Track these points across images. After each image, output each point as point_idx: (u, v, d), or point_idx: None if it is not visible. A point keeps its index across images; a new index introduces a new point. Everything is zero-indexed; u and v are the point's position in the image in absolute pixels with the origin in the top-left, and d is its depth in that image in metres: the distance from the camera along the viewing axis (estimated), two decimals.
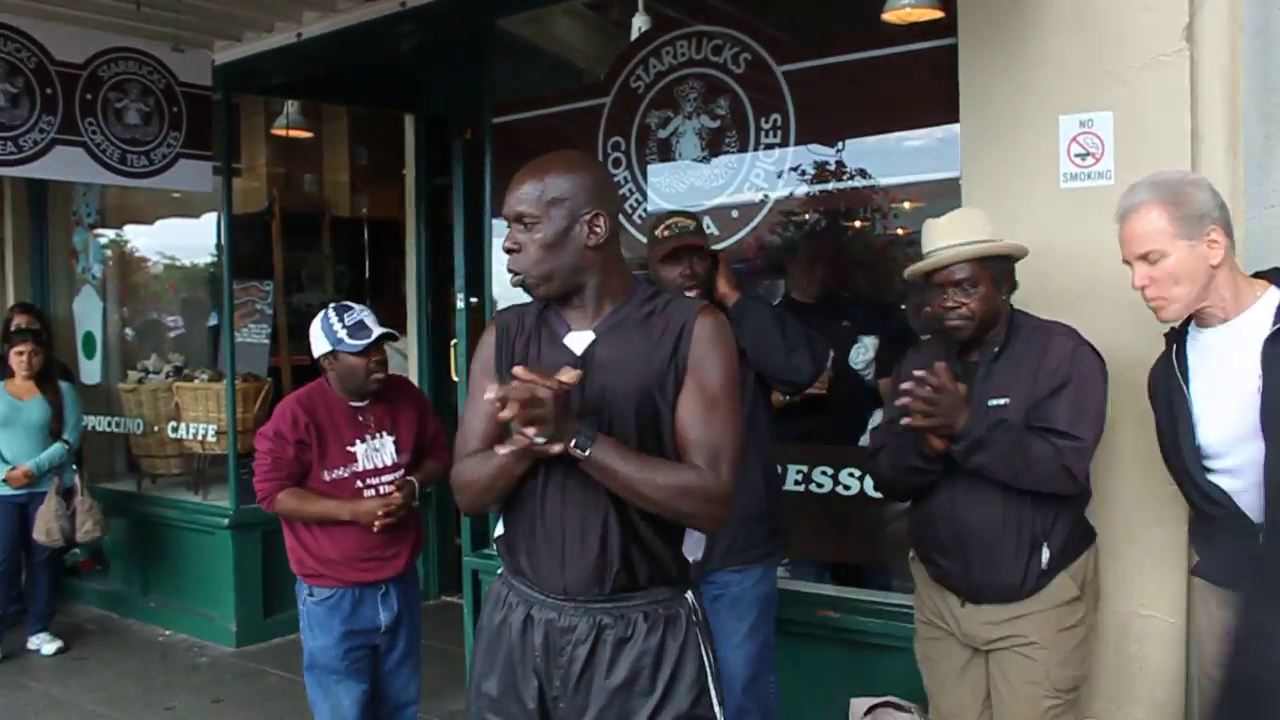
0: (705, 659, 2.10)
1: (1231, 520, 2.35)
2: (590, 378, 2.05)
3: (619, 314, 2.10)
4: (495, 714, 2.15)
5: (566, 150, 2.22)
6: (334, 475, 3.32)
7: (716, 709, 2.09)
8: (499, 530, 2.21)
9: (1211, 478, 2.38)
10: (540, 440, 1.89)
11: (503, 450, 1.92)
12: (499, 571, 2.23)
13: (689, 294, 2.95)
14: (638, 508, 2.01)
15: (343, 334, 3.26)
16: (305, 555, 3.35)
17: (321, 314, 3.35)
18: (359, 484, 3.35)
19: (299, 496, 3.31)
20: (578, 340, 2.11)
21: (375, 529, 3.28)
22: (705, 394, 2.03)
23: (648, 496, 1.98)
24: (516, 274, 2.09)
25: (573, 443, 1.92)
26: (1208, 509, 2.41)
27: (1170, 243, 2.28)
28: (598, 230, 2.05)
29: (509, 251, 2.09)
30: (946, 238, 2.71)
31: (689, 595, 2.14)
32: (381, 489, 3.36)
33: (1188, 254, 2.28)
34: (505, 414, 1.86)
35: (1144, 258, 2.32)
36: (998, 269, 2.67)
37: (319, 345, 3.32)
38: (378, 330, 3.29)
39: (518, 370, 1.91)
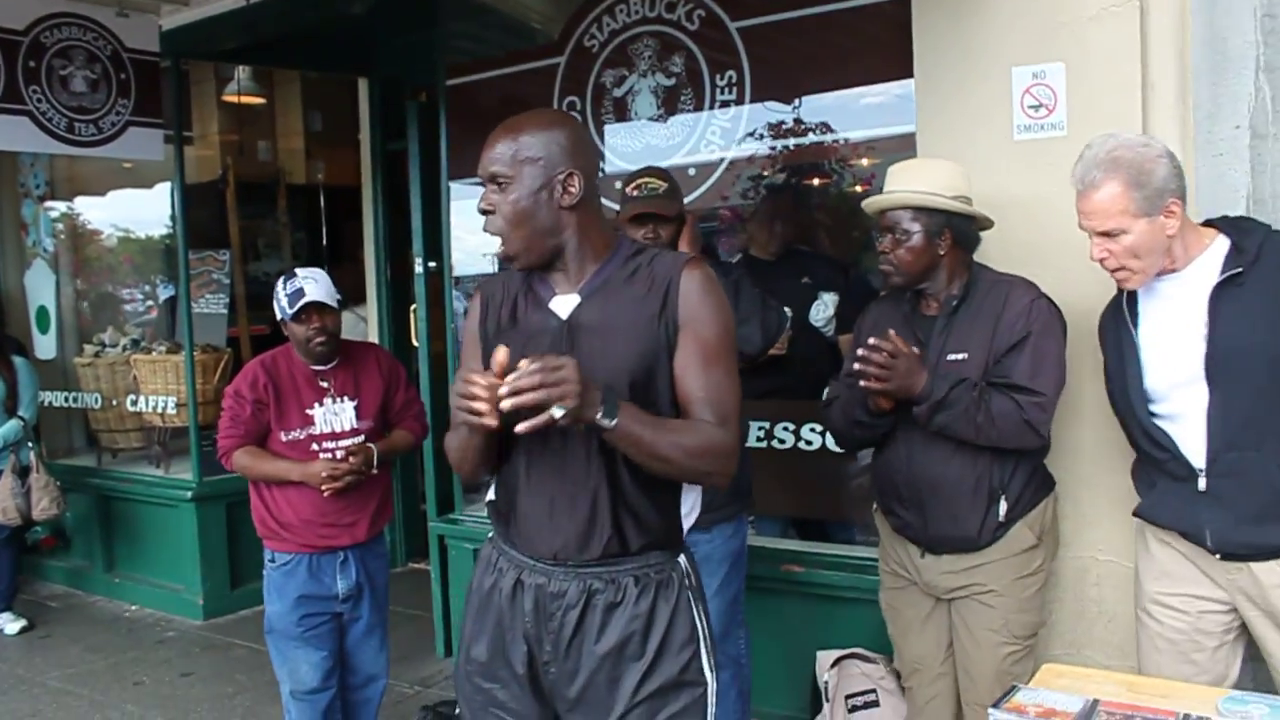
0: (698, 622, 2.08)
1: (1172, 463, 2.40)
2: (578, 342, 2.01)
3: (603, 274, 2.05)
4: (484, 679, 2.13)
5: (542, 108, 2.17)
6: (291, 437, 3.33)
7: (708, 673, 2.07)
8: (490, 495, 2.18)
9: (1156, 421, 2.42)
10: (561, 411, 1.79)
11: (521, 428, 1.81)
12: (489, 535, 2.21)
13: None
14: (650, 470, 1.96)
15: (284, 302, 3.28)
16: (266, 516, 3.36)
17: (275, 283, 3.37)
18: (315, 447, 3.34)
19: (254, 455, 3.34)
20: (563, 304, 2.06)
21: (324, 492, 3.28)
22: (703, 349, 1.99)
23: (670, 459, 1.93)
24: (498, 241, 2.03)
25: (599, 414, 1.85)
26: (1151, 451, 2.45)
27: (1130, 221, 2.29)
28: (572, 190, 2.00)
29: (484, 213, 2.04)
30: (895, 182, 2.73)
31: (681, 559, 2.11)
32: (338, 454, 3.34)
33: (1147, 229, 2.29)
34: (516, 401, 1.76)
35: (1104, 233, 2.33)
36: (936, 224, 2.66)
37: (276, 312, 3.36)
38: (307, 298, 3.26)
39: (498, 355, 1.83)
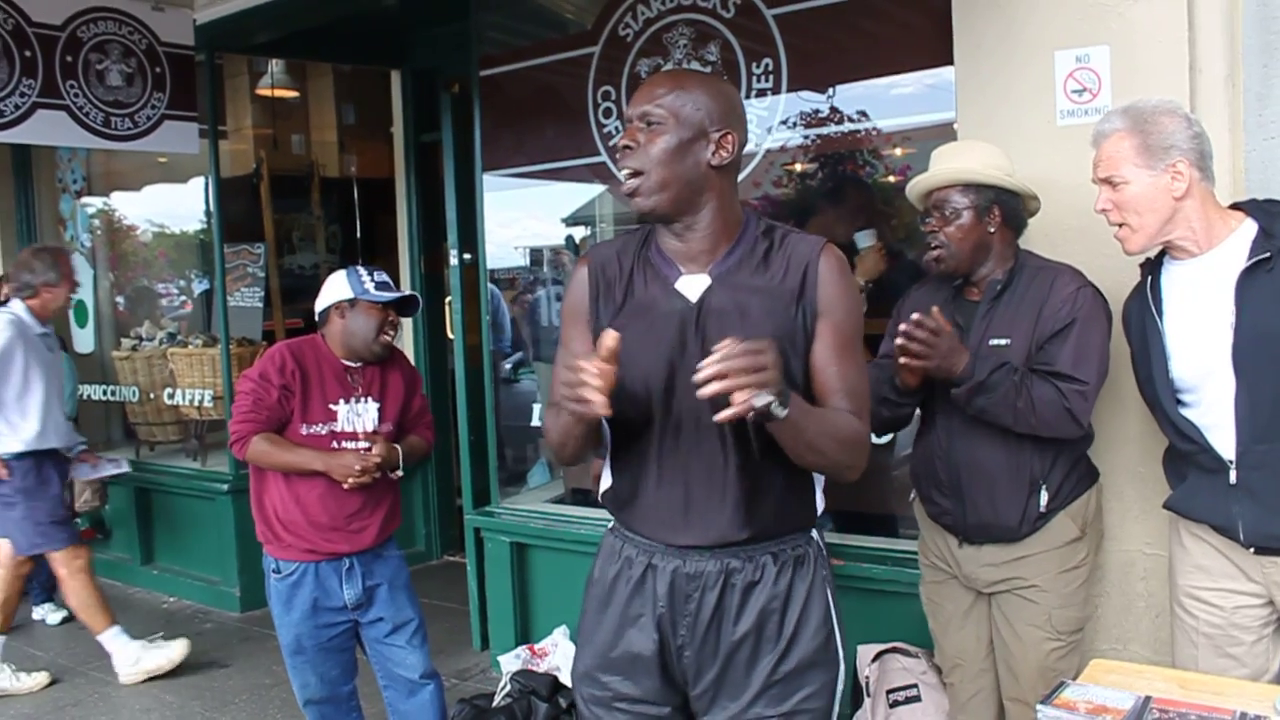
0: (831, 601, 2.03)
1: (1202, 455, 2.35)
2: (708, 328, 1.91)
3: (735, 254, 1.97)
4: (605, 673, 2.06)
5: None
6: (311, 430, 3.21)
7: (840, 652, 2.03)
8: (605, 484, 2.11)
9: (1184, 411, 2.37)
10: (764, 400, 1.68)
11: (722, 416, 1.70)
12: (611, 525, 2.14)
13: None
14: (799, 462, 1.88)
15: (370, 285, 3.21)
16: (271, 517, 3.24)
17: (347, 268, 3.29)
18: (335, 444, 3.23)
19: (273, 441, 3.18)
20: (691, 285, 1.96)
21: (347, 485, 3.17)
22: (840, 338, 1.92)
23: (824, 451, 1.87)
24: (632, 176, 1.92)
25: (774, 403, 1.73)
26: (1179, 443, 2.40)
27: (1132, 170, 2.28)
28: (725, 149, 1.92)
29: (625, 148, 1.94)
30: (939, 163, 2.70)
31: (815, 534, 2.07)
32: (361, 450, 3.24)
33: (1148, 183, 2.27)
34: (723, 385, 1.66)
35: (1106, 181, 2.32)
36: (985, 199, 2.62)
37: (337, 293, 3.23)
38: (408, 292, 3.28)
39: (608, 340, 1.76)
